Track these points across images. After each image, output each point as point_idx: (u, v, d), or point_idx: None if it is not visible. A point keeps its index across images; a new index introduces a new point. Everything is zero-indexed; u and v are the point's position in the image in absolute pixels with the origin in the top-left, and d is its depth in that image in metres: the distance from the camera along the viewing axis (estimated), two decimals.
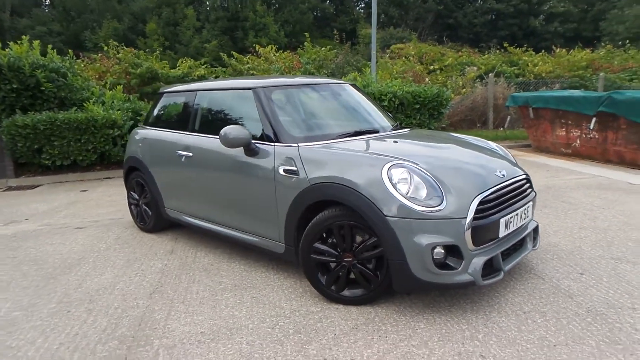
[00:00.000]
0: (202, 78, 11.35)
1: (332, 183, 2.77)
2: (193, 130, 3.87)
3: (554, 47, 14.28)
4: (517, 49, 13.56)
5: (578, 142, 7.83)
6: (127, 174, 4.67)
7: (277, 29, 32.24)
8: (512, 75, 12.42)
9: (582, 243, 3.86)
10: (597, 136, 7.41)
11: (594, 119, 7.30)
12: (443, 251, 2.58)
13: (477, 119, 11.36)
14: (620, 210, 4.77)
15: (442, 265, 2.58)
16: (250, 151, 3.23)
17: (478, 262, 2.62)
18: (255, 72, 11.18)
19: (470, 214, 2.57)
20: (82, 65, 10.36)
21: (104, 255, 3.95)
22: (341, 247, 2.81)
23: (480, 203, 2.64)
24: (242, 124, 3.41)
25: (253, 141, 3.22)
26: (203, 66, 12.03)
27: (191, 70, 11.55)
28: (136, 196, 4.58)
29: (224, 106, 3.75)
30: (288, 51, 12.66)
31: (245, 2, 32.15)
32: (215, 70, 11.80)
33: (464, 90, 11.37)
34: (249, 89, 3.49)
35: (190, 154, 3.75)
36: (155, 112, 4.52)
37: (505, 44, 14.16)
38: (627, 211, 4.73)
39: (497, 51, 14.29)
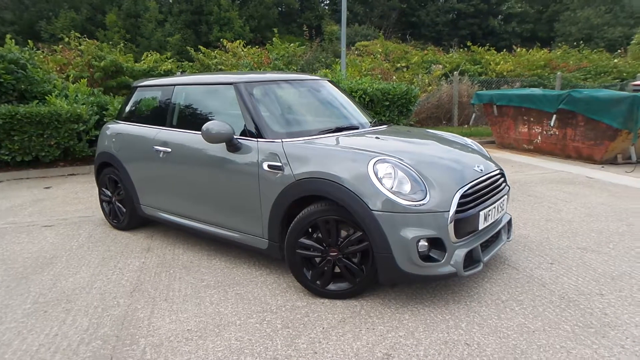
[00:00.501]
0: (168, 72, 11.13)
1: (318, 178, 2.79)
2: (171, 126, 3.81)
3: (514, 47, 14.78)
4: (481, 48, 13.94)
5: (539, 138, 8.16)
6: (99, 170, 4.54)
7: (242, 24, 31.87)
8: (475, 73, 12.77)
9: (550, 234, 4.04)
10: (557, 133, 7.75)
11: (554, 116, 7.63)
12: (427, 244, 2.65)
13: (443, 116, 11.63)
14: (582, 202, 5.02)
15: (426, 257, 2.66)
16: (233, 147, 3.21)
17: (460, 254, 2.71)
18: (223, 67, 11.04)
19: (453, 208, 2.66)
20: (42, 56, 9.94)
21: (77, 254, 3.84)
22: (327, 242, 2.84)
23: (462, 197, 2.73)
24: (223, 120, 3.38)
25: (235, 137, 3.20)
26: (169, 60, 11.79)
27: (157, 64, 11.30)
28: (109, 193, 4.46)
29: (203, 101, 3.70)
30: (256, 46, 12.55)
31: None
32: (182, 64, 11.57)
33: (430, 88, 11.61)
34: (230, 84, 3.47)
35: (169, 150, 3.69)
36: (129, 106, 4.41)
37: (469, 43, 14.53)
38: (588, 204, 4.98)
39: (461, 50, 14.64)
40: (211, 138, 3.15)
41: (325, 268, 2.88)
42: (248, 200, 3.19)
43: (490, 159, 3.43)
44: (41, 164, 7.51)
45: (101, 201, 4.59)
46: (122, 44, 11.89)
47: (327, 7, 41.93)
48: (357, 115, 3.82)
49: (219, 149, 3.31)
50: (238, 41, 12.08)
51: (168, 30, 29.71)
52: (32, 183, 6.84)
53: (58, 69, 10.19)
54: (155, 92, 4.16)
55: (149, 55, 11.56)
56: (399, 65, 13.06)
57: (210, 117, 3.59)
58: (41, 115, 7.05)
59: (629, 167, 6.83)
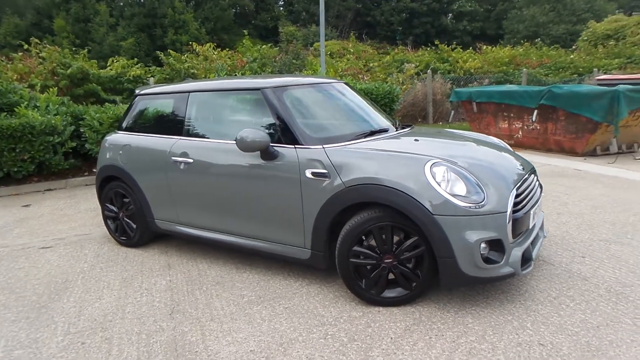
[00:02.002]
0: (138, 78, 10.70)
1: (372, 184, 2.71)
2: (190, 135, 3.62)
3: (480, 45, 15.24)
4: (448, 46, 14.27)
5: (520, 133, 8.40)
6: (102, 185, 4.26)
7: (197, 26, 31.20)
8: (445, 71, 13.04)
9: (568, 228, 4.14)
10: (538, 127, 8.00)
11: (535, 112, 7.87)
12: (486, 246, 2.63)
13: (418, 114, 11.80)
14: (582, 195, 5.19)
15: (486, 259, 2.64)
16: (269, 155, 3.08)
17: (517, 253, 2.71)
18: (196, 71, 10.72)
19: (510, 208, 2.65)
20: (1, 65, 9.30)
21: (91, 276, 3.58)
22: (381, 249, 2.77)
23: (515, 196, 2.73)
24: (254, 127, 3.24)
25: (271, 144, 3.07)
26: (137, 66, 11.32)
27: (125, 70, 10.82)
28: (114, 208, 4.19)
29: (225, 108, 3.54)
30: (227, 49, 12.28)
31: None
32: (152, 70, 11.15)
33: (404, 86, 11.75)
34: (257, 89, 3.33)
35: (190, 160, 3.50)
36: (133, 116, 4.17)
37: (437, 42, 14.84)
38: (589, 196, 5.15)
39: (428, 49, 14.93)
40: (246, 147, 3.01)
41: (380, 275, 2.80)
42: (287, 210, 3.07)
43: (520, 157, 3.47)
44: (13, 180, 7.00)
45: (105, 217, 4.30)
46: (86, 49, 11.29)
47: (282, 8, 41.77)
48: (381, 117, 3.77)
49: (251, 158, 3.16)
50: (208, 44, 11.77)
51: (121, 34, 28.63)
52: (7, 201, 6.36)
53: (18, 78, 9.56)
54: (165, 99, 3.95)
55: (115, 60, 11.05)
56: (371, 65, 13.15)
57: (235, 125, 3.43)
58: (12, 128, 6.57)
59: (610, 158, 7.14)
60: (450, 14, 42.83)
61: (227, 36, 33.13)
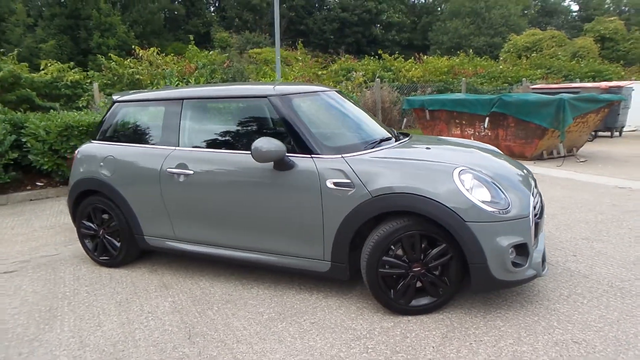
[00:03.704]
0: (76, 84, 9.99)
1: (401, 193, 2.69)
2: (187, 145, 3.40)
3: (420, 55, 15.84)
4: (391, 56, 14.70)
5: (472, 139, 8.80)
6: (78, 201, 3.88)
7: (125, 30, 29.80)
8: (389, 80, 13.41)
9: (549, 228, 4.38)
10: (489, 133, 8.44)
11: (487, 119, 8.30)
12: (513, 250, 2.70)
13: None
14: (548, 197, 5.52)
15: (513, 263, 2.71)
16: (284, 165, 2.96)
17: (538, 255, 2.82)
18: (141, 77, 10.18)
19: (531, 212, 2.75)
20: None
21: (79, 302, 3.24)
22: (410, 258, 2.76)
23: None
24: (262, 136, 3.10)
25: (286, 154, 2.96)
26: (73, 70, 10.56)
27: (61, 74, 10.06)
28: (93, 226, 3.84)
29: (228, 117, 3.37)
30: (172, 54, 11.79)
31: None
32: (92, 75, 10.44)
33: (353, 94, 11.92)
34: (263, 97, 3.20)
35: (190, 172, 3.28)
36: (113, 124, 3.85)
37: (380, 51, 15.24)
38: (553, 197, 5.50)
39: (372, 58, 15.29)
40: (261, 157, 2.88)
41: (409, 284, 2.79)
42: (305, 221, 2.97)
43: (519, 163, 3.61)
44: None
45: (82, 236, 3.92)
46: (16, 51, 10.35)
47: (214, 14, 40.98)
48: (380, 125, 3.77)
49: (264, 168, 3.03)
50: (152, 49, 11.22)
51: (40, 35, 26.67)
52: None
53: None
54: (152, 107, 3.69)
55: (50, 64, 10.24)
56: (319, 72, 13.21)
57: (239, 134, 3.28)
58: None
59: (557, 161, 7.69)
60: (379, 25, 44.19)
61: (158, 40, 31.85)
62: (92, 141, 3.96)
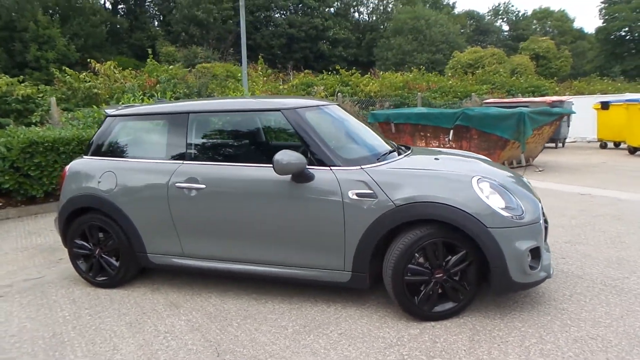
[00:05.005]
0: (28, 98, 9.45)
1: (424, 202, 2.79)
2: (195, 159, 3.33)
3: (374, 70, 16.30)
4: (347, 71, 15.01)
5: None
6: (70, 219, 3.68)
7: (65, 43, 28.48)
8: (347, 94, 13.69)
9: None
10: (454, 145, 8.81)
11: (451, 131, 8.68)
12: (529, 254, 2.87)
13: None
14: None
15: (529, 266, 2.87)
16: (304, 177, 2.99)
17: (547, 258, 3.00)
18: (99, 91, 9.79)
19: (541, 217, 2.94)
20: None
21: (84, 325, 3.07)
22: (433, 264, 2.85)
23: None
24: (276, 149, 3.11)
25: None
26: (23, 84, 9.99)
27: (10, 88, 9.48)
28: (88, 245, 3.65)
29: (238, 130, 3.35)
30: (130, 68, 11.44)
31: (22, 10, 27.51)
32: (45, 89, 9.90)
33: None
34: (276, 110, 3.22)
35: (202, 186, 3.22)
36: (109, 139, 3.70)
37: (337, 67, 15.53)
38: None
39: (329, 73, 15.55)
40: (282, 169, 2.89)
41: (432, 291, 2.88)
42: (326, 233, 3.00)
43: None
44: None
45: (74, 257, 3.71)
46: None
47: (159, 28, 40.08)
48: (382, 137, 3.88)
49: (281, 181, 3.04)
50: (109, 62, 10.84)
51: None
52: None
53: None
54: (154, 121, 3.60)
55: None
56: (280, 87, 13.26)
57: (253, 147, 3.27)
58: None
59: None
60: (326, 41, 44.96)
61: (100, 54, 30.63)
62: (84, 156, 3.79)
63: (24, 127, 7.36)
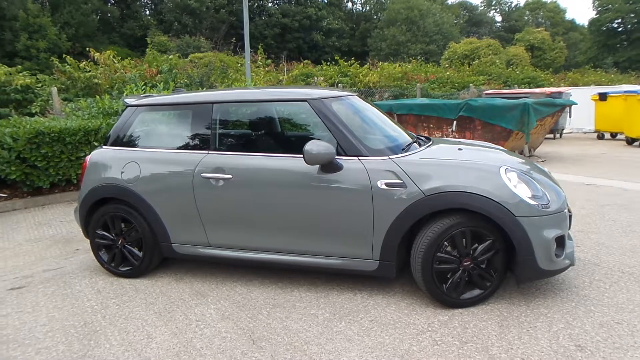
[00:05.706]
0: (27, 88, 9.34)
1: (454, 192, 2.83)
2: (221, 149, 3.34)
3: (372, 61, 16.29)
4: (346, 62, 14.99)
5: None
6: (92, 209, 3.68)
7: (57, 32, 28.06)
8: (347, 85, 13.69)
9: None
10: (457, 136, 8.87)
11: (455, 122, 8.73)
12: (555, 242, 2.93)
13: None
14: None
15: (555, 254, 2.93)
16: (333, 167, 3.02)
17: (570, 246, 3.07)
18: (99, 81, 9.70)
19: (566, 206, 3.00)
20: None
21: (114, 314, 3.09)
22: (461, 252, 2.90)
23: None
24: (304, 139, 3.13)
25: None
26: (21, 74, 9.87)
27: (9, 78, 9.37)
28: (111, 235, 3.66)
29: (264, 120, 3.36)
30: (129, 58, 11.32)
31: None
32: (44, 79, 9.79)
33: None
34: (303, 100, 3.24)
35: (229, 176, 3.24)
36: (130, 129, 3.70)
37: (337, 57, 15.49)
38: None
39: (328, 64, 15.51)
40: (313, 159, 2.92)
41: (460, 278, 2.93)
42: (354, 222, 3.03)
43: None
44: None
45: (96, 247, 3.72)
46: None
47: (151, 18, 39.57)
48: (402, 128, 3.91)
49: (309, 170, 3.06)
50: (108, 52, 10.71)
51: None
52: None
53: None
54: (177, 111, 3.60)
55: None
56: (281, 77, 13.22)
57: (280, 137, 3.29)
58: None
59: None
60: (319, 31, 44.72)
61: (92, 44, 30.22)
62: (104, 147, 3.78)
63: (27, 117, 7.29)
